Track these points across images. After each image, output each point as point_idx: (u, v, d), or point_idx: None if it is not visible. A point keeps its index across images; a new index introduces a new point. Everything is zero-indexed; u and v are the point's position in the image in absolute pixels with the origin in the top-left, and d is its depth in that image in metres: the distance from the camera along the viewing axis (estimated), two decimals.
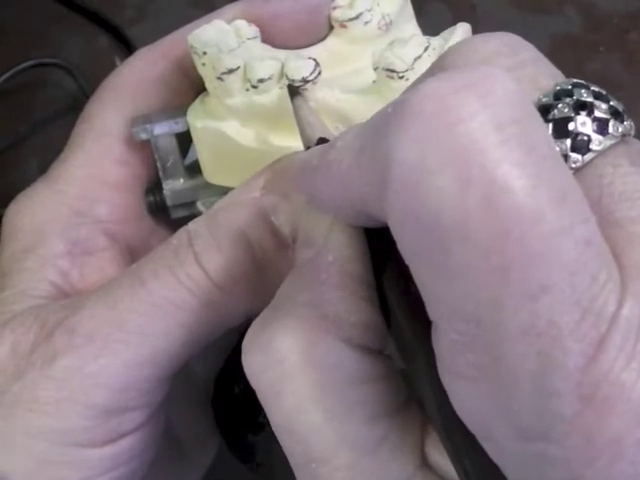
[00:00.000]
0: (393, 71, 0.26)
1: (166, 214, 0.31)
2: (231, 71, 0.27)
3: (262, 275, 0.25)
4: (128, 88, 0.31)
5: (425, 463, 0.19)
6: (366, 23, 0.29)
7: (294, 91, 0.26)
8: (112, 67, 0.33)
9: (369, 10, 0.29)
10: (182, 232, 0.26)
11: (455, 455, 0.18)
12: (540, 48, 0.20)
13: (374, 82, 0.27)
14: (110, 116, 0.31)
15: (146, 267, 0.25)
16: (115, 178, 0.30)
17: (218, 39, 0.28)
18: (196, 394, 0.34)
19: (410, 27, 0.30)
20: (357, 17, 0.29)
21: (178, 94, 0.31)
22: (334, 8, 0.29)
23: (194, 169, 0.30)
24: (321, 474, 0.19)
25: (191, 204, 0.31)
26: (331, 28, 0.30)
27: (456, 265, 0.15)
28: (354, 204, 0.18)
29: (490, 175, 0.15)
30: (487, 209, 0.15)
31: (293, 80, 0.26)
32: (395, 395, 0.20)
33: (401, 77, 0.26)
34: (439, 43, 0.26)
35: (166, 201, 0.31)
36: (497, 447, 0.16)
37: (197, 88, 0.30)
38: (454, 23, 0.28)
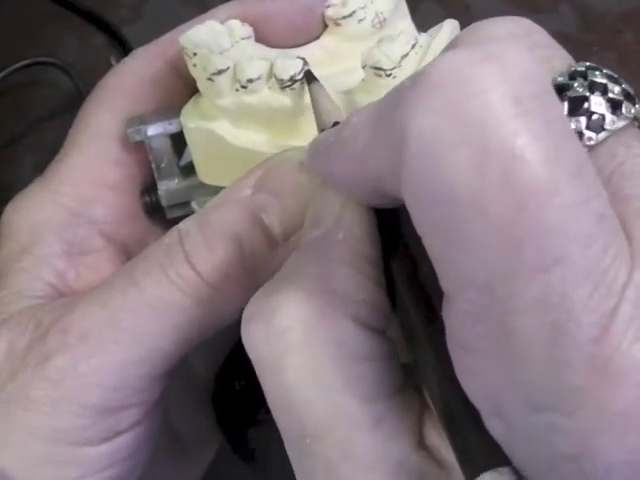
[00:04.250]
0: (380, 69, 0.26)
1: (162, 214, 0.31)
2: (221, 72, 0.26)
3: (253, 273, 0.25)
4: (124, 88, 0.31)
5: (422, 445, 0.19)
6: (360, 21, 0.29)
7: (311, 77, 0.26)
8: (108, 66, 0.33)
9: (363, 8, 0.29)
10: (173, 231, 0.26)
11: (454, 436, 0.18)
12: None
13: (363, 80, 0.26)
14: (106, 117, 0.31)
15: (138, 266, 0.26)
16: (111, 179, 0.30)
17: (211, 39, 0.28)
18: (197, 391, 0.34)
19: (405, 25, 0.30)
20: (351, 15, 0.29)
21: (174, 94, 0.31)
22: (328, 6, 0.29)
23: (189, 169, 0.30)
24: (315, 450, 0.19)
25: (186, 204, 0.31)
26: (325, 27, 0.30)
27: (471, 236, 0.15)
28: (368, 181, 0.18)
29: (507, 147, 0.15)
30: (504, 182, 0.15)
31: (282, 80, 0.26)
32: (394, 377, 0.20)
33: (389, 75, 0.25)
34: (426, 40, 0.26)
35: (161, 201, 0.31)
36: (505, 422, 0.16)
37: (192, 89, 0.30)
38: None
